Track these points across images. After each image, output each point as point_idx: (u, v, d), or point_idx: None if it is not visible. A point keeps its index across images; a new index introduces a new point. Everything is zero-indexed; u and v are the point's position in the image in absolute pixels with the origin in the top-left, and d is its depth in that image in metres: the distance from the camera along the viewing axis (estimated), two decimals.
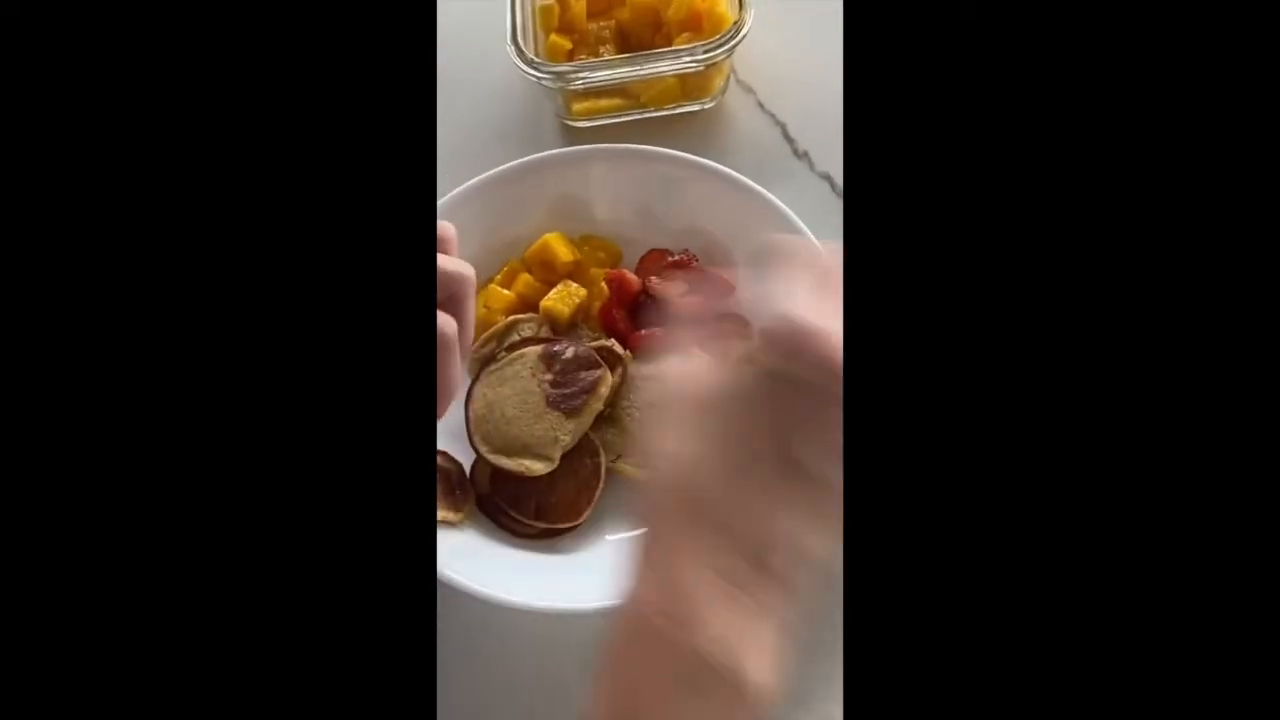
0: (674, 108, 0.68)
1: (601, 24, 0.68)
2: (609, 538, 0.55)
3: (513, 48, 0.63)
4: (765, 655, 0.35)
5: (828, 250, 0.37)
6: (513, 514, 0.55)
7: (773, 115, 0.69)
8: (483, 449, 0.55)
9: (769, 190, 0.59)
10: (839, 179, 0.66)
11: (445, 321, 0.44)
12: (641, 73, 0.64)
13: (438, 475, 0.55)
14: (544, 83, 0.64)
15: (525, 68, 0.63)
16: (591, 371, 0.56)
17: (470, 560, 0.52)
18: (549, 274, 0.62)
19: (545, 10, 0.67)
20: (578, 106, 0.68)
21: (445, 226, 0.46)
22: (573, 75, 0.63)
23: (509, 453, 0.55)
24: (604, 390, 0.56)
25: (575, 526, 0.55)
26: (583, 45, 0.68)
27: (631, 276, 0.61)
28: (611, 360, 0.57)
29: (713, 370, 0.37)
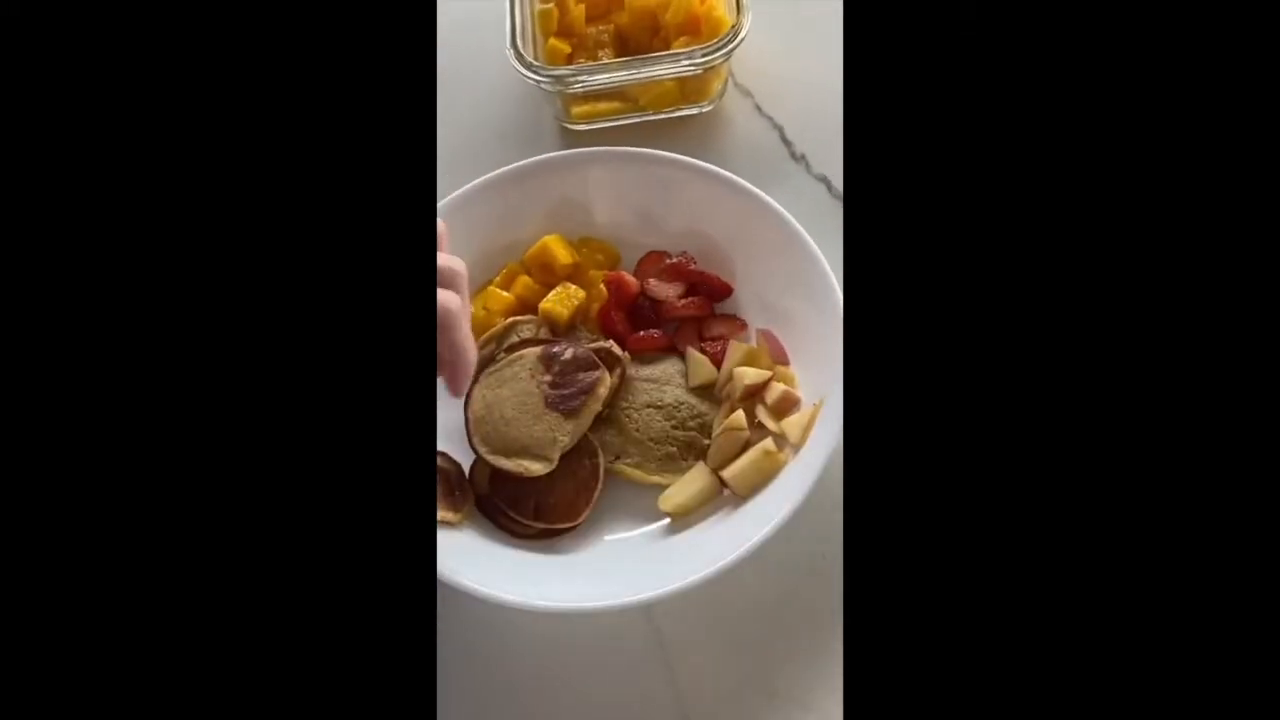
0: (672, 111, 0.68)
1: (600, 28, 0.68)
2: (608, 538, 0.55)
3: (512, 51, 0.64)
4: None
5: None
6: (512, 514, 0.55)
7: (770, 118, 0.69)
8: (482, 450, 0.56)
9: (767, 192, 0.59)
10: (836, 181, 0.66)
11: (448, 297, 0.44)
12: (640, 76, 0.64)
13: (437, 476, 0.56)
14: (543, 86, 0.64)
15: (524, 71, 0.63)
16: (590, 373, 0.56)
17: (470, 560, 0.52)
18: (548, 276, 0.62)
19: (544, 14, 0.67)
20: (577, 110, 0.68)
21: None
22: (572, 79, 0.64)
23: (508, 453, 0.55)
24: (602, 391, 0.56)
25: (574, 527, 0.55)
26: (582, 49, 0.68)
27: (630, 279, 0.61)
28: (610, 362, 0.57)
29: None
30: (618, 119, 0.69)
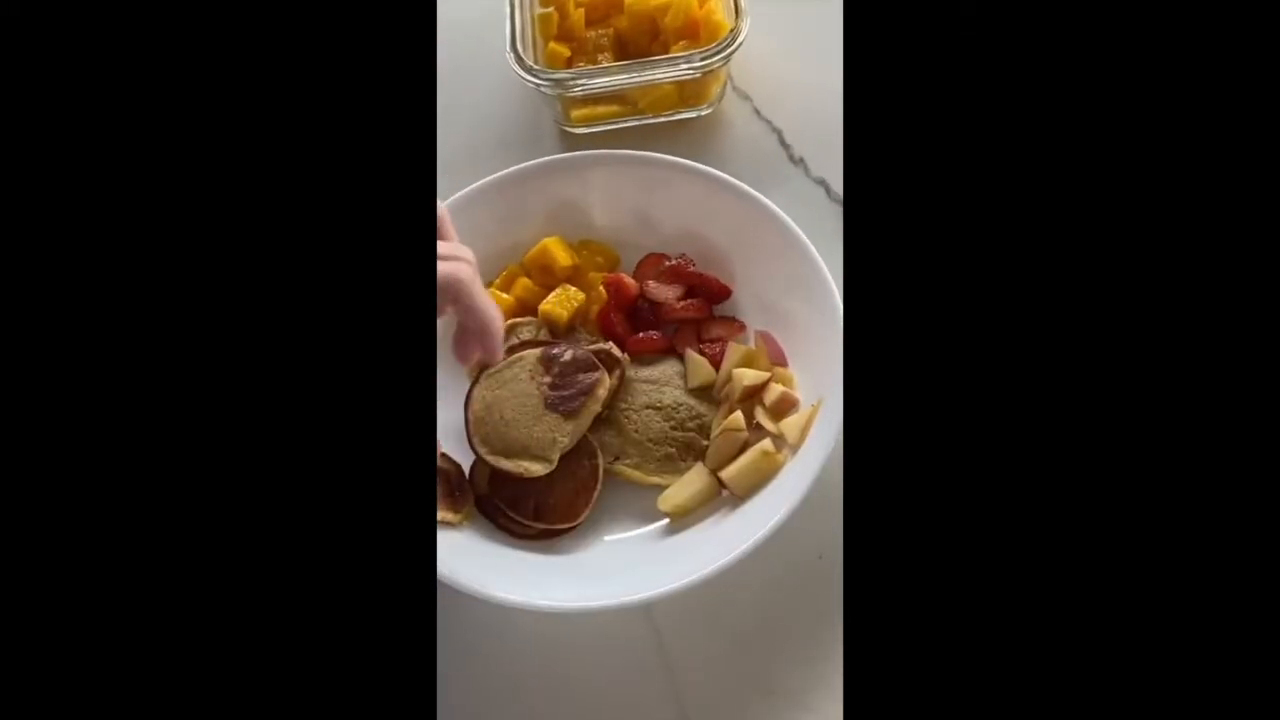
0: (671, 114, 0.69)
1: (600, 32, 0.69)
2: (607, 538, 0.56)
3: (512, 55, 0.64)
4: None
5: None
6: (512, 515, 0.55)
7: (769, 121, 0.70)
8: (482, 450, 0.56)
9: (765, 195, 0.59)
10: (834, 184, 0.66)
11: (456, 267, 0.44)
12: (639, 80, 0.64)
13: (437, 476, 0.56)
14: (543, 89, 0.64)
15: (524, 75, 0.64)
16: (589, 374, 0.56)
17: (470, 560, 0.52)
18: (548, 278, 0.62)
19: (544, 18, 0.68)
20: (576, 113, 0.68)
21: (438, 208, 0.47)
22: (571, 82, 0.64)
23: (508, 454, 0.55)
24: (602, 392, 0.56)
25: (574, 527, 0.56)
26: (581, 53, 0.68)
27: (629, 280, 0.61)
28: (609, 363, 0.58)
29: None
30: (617, 122, 0.69)
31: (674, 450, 0.57)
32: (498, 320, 0.48)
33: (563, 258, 0.62)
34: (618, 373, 0.58)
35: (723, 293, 0.61)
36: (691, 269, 0.61)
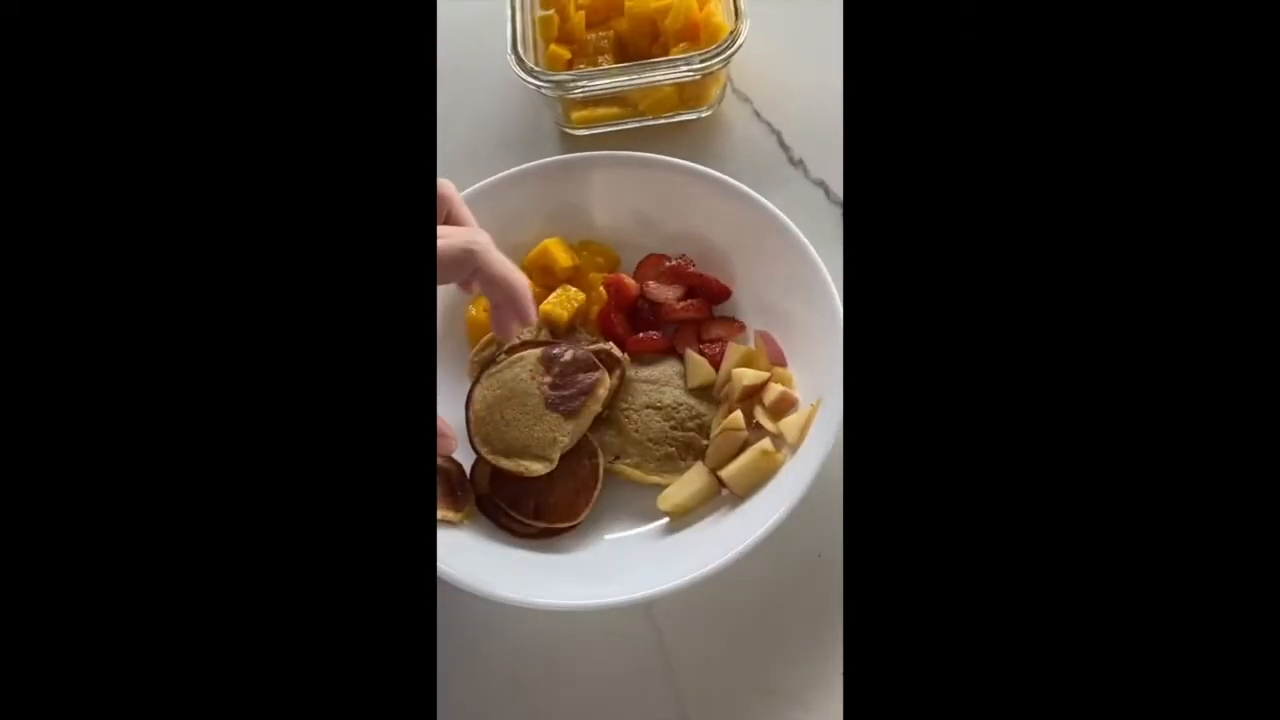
0: (671, 116, 0.69)
1: (600, 34, 0.69)
2: (607, 538, 0.56)
3: (513, 57, 0.64)
4: None
5: None
6: (512, 514, 0.56)
7: (768, 123, 0.70)
8: (482, 450, 0.56)
9: (765, 196, 0.59)
10: (834, 186, 0.67)
11: (473, 235, 0.47)
12: (639, 82, 0.64)
13: (438, 475, 0.56)
14: (543, 91, 0.65)
15: (525, 76, 0.64)
16: (590, 374, 0.56)
17: (470, 559, 0.52)
18: (548, 279, 0.62)
19: (545, 20, 0.68)
20: (577, 115, 0.69)
21: (444, 184, 0.49)
22: (572, 84, 0.64)
23: (508, 453, 0.55)
24: (602, 392, 0.56)
25: (574, 526, 0.56)
26: (582, 55, 0.68)
27: (629, 281, 0.61)
28: (609, 363, 0.58)
29: None
30: (617, 124, 0.69)
31: (674, 450, 0.57)
32: (523, 284, 0.49)
33: (563, 258, 0.62)
34: (618, 373, 0.58)
35: (723, 293, 0.61)
36: (691, 269, 0.61)
